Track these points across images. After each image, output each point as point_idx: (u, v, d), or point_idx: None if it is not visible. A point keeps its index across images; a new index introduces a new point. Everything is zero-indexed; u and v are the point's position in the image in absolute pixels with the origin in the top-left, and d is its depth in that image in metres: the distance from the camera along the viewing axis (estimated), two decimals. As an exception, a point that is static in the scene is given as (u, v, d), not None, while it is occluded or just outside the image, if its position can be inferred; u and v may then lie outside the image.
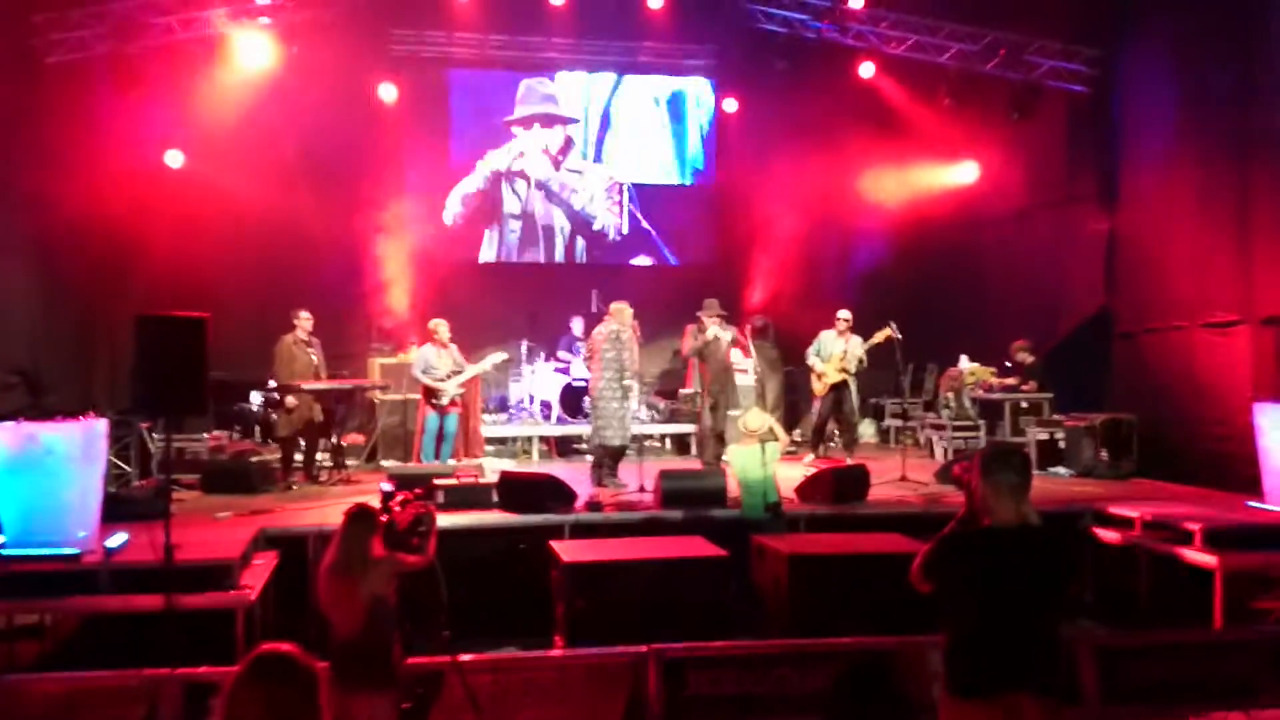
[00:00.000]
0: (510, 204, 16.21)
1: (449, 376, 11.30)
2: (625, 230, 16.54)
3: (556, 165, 16.36)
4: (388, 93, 14.99)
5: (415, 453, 11.69)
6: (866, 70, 14.26)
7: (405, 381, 12.13)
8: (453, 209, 16.07)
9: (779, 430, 9.35)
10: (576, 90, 16.38)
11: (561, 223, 16.46)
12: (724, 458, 11.12)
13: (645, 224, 16.58)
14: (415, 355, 11.78)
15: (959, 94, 13.45)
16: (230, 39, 12.72)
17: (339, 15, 13.37)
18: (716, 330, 10.90)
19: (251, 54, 13.02)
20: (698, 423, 11.92)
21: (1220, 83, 10.72)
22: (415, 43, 15.34)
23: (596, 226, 16.50)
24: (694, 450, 13.32)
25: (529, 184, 16.29)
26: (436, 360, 11.34)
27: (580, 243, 16.55)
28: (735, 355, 11.54)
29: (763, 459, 8.45)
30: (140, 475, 11.18)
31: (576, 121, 16.43)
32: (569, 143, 16.40)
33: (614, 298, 11.36)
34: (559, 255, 16.45)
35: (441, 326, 11.53)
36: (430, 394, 11.29)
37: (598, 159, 16.53)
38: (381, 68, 14.89)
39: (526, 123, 16.23)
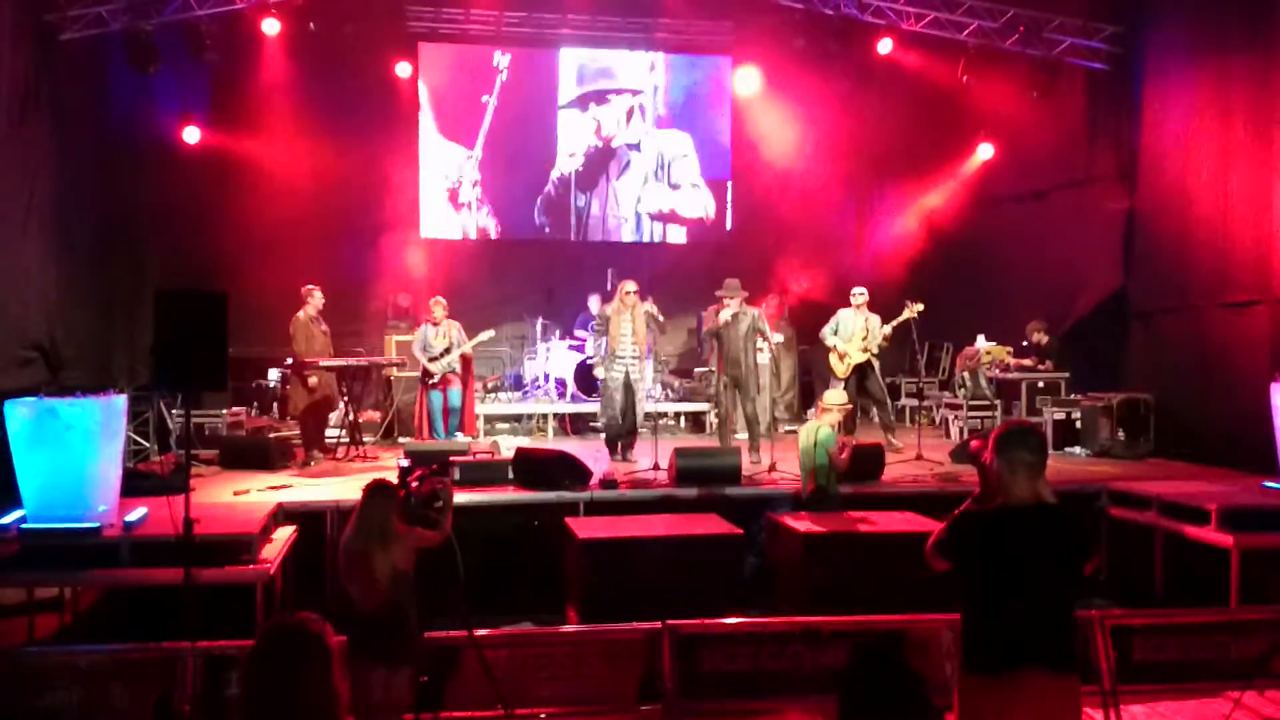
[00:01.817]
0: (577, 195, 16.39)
1: (443, 354, 11.53)
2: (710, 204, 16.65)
3: (609, 142, 16.44)
4: (404, 69, 15.00)
5: (417, 429, 11.83)
6: (885, 47, 14.17)
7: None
8: (539, 219, 16.22)
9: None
10: (626, 65, 16.45)
11: (630, 193, 16.53)
12: (740, 435, 11.17)
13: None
14: (415, 333, 12.02)
15: (978, 71, 13.36)
16: (247, 14, 12.71)
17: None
18: (729, 312, 10.82)
19: (268, 29, 13.01)
20: (715, 403, 11.89)
21: (1241, 61, 10.62)
22: (433, 19, 15.30)
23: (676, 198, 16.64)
24: (709, 429, 13.39)
25: (588, 159, 16.40)
26: (434, 339, 11.64)
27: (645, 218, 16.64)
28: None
29: (815, 438, 8.43)
30: (159, 450, 11.26)
31: (640, 92, 16.49)
32: (631, 113, 16.44)
33: (629, 276, 11.35)
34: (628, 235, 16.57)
35: (438, 305, 11.75)
36: (425, 371, 11.62)
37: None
38: (399, 44, 14.87)
39: (584, 103, 16.31)
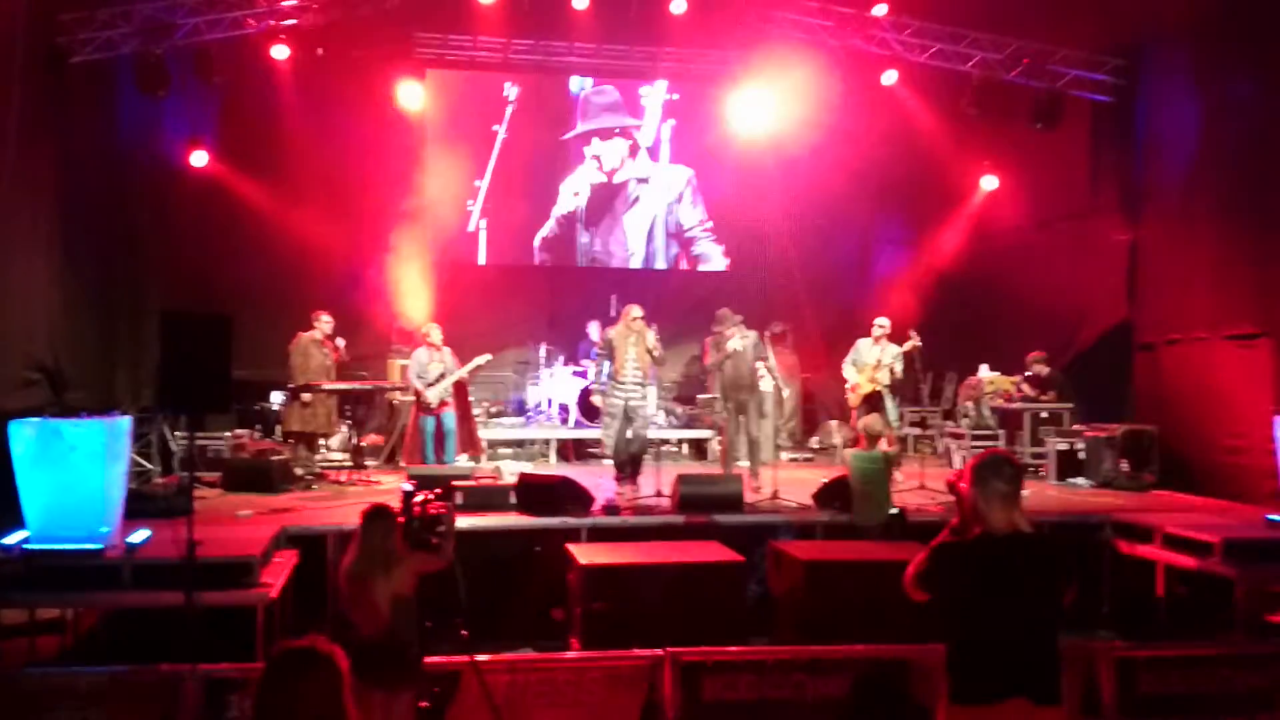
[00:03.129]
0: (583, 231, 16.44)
1: (438, 380, 11.47)
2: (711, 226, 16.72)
3: (611, 177, 16.49)
4: (411, 97, 15.05)
5: (405, 453, 11.78)
6: (889, 78, 14.24)
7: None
8: (540, 256, 16.26)
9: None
10: (632, 99, 16.50)
11: (638, 228, 16.59)
12: (742, 463, 11.14)
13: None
14: (410, 359, 11.94)
15: (982, 102, 13.40)
16: (256, 40, 12.79)
17: (365, 18, 13.43)
18: (736, 342, 10.79)
19: (277, 55, 13.10)
20: (720, 431, 11.86)
21: (1243, 94, 10.69)
22: (441, 46, 15.38)
23: (683, 224, 16.69)
24: (711, 456, 13.37)
25: (594, 196, 16.44)
26: (428, 364, 11.54)
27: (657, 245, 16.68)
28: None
29: (884, 466, 8.44)
30: (162, 472, 11.26)
31: (641, 127, 16.55)
32: (636, 149, 16.52)
33: (632, 302, 11.30)
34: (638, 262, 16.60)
35: (434, 330, 11.72)
36: (420, 396, 11.51)
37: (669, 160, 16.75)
38: (407, 70, 14.95)
39: (585, 138, 16.37)
